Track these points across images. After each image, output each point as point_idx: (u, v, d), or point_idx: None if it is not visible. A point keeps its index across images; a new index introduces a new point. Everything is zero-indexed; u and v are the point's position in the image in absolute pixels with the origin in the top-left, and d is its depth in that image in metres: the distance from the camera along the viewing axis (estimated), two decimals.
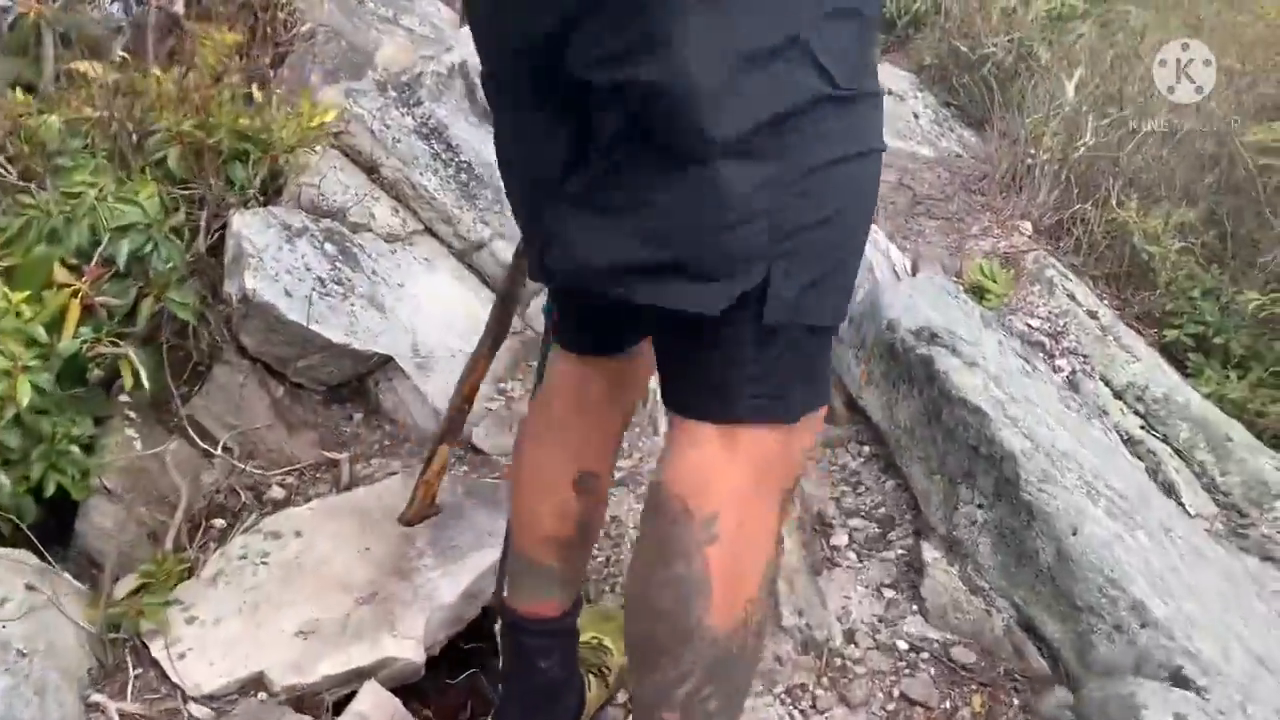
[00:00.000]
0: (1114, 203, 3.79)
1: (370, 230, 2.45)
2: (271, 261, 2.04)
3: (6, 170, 2.05)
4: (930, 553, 1.71)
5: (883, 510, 1.92)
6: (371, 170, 2.71)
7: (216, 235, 2.10)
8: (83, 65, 2.28)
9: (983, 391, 1.74)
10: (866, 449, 2.09)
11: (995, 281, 2.70)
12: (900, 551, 1.82)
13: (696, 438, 1.02)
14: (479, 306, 2.46)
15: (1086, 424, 2.25)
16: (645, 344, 1.28)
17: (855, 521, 1.90)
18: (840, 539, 1.85)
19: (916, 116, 5.33)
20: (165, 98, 2.18)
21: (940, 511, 1.77)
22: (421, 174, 2.70)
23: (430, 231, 2.68)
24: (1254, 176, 3.54)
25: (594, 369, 1.31)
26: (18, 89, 2.18)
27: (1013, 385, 1.81)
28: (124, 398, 1.93)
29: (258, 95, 2.33)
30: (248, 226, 2.08)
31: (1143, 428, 2.85)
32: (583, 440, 1.30)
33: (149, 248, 1.85)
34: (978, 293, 2.69)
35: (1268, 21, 4.40)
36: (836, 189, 0.96)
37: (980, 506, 1.67)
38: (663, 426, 2.14)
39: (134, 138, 2.19)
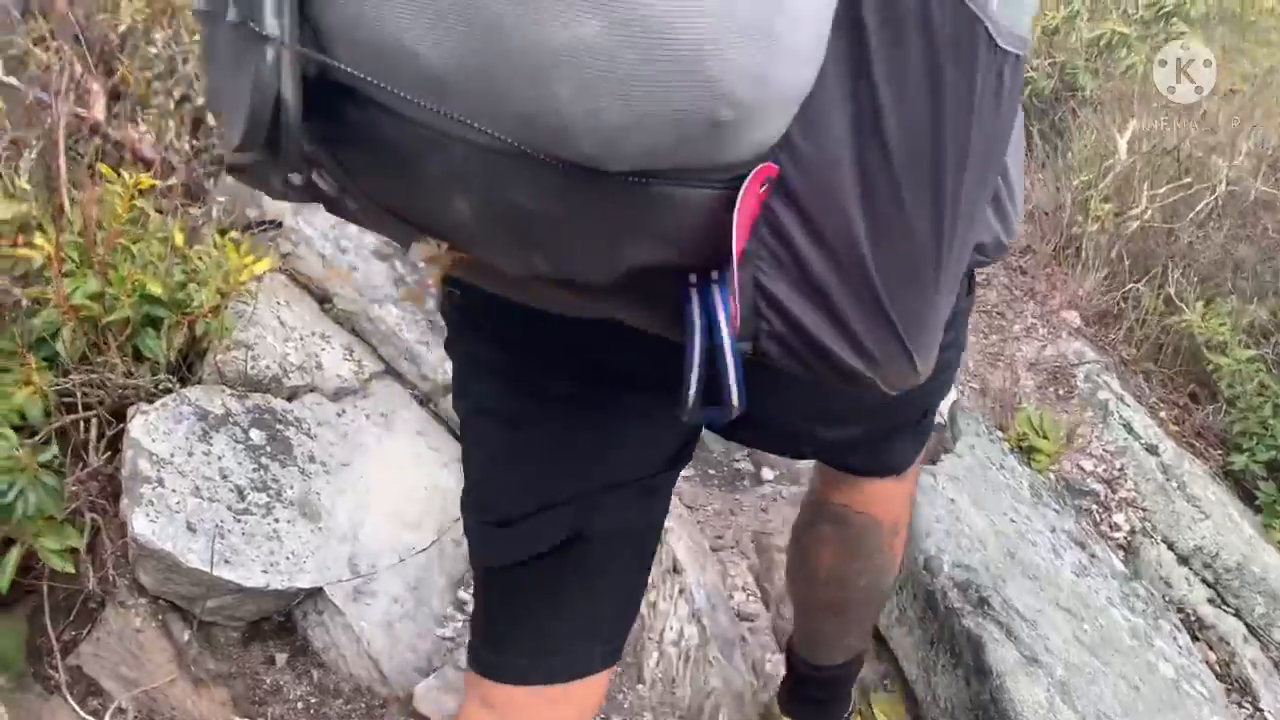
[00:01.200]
0: (1172, 291, 3.38)
1: (315, 389, 2.09)
2: (175, 478, 1.68)
3: None
4: None
5: None
6: (324, 300, 2.35)
7: (112, 440, 1.74)
8: None
9: (1046, 712, 1.37)
10: None
11: (1045, 437, 2.32)
12: None
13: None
14: (440, 471, 2.11)
15: (1150, 647, 1.88)
16: None
17: None
18: None
19: None
20: (60, 253, 1.82)
21: None
22: (380, 305, 2.34)
23: (392, 372, 2.32)
24: None
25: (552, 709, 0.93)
26: None
27: (1081, 689, 1.45)
28: None
29: (178, 239, 1.96)
30: (150, 431, 1.72)
31: (1211, 600, 2.48)
32: None
33: (14, 495, 1.50)
34: (1026, 451, 2.31)
35: None
36: None
37: None
38: (648, 672, 1.78)
39: (22, 304, 1.84)
